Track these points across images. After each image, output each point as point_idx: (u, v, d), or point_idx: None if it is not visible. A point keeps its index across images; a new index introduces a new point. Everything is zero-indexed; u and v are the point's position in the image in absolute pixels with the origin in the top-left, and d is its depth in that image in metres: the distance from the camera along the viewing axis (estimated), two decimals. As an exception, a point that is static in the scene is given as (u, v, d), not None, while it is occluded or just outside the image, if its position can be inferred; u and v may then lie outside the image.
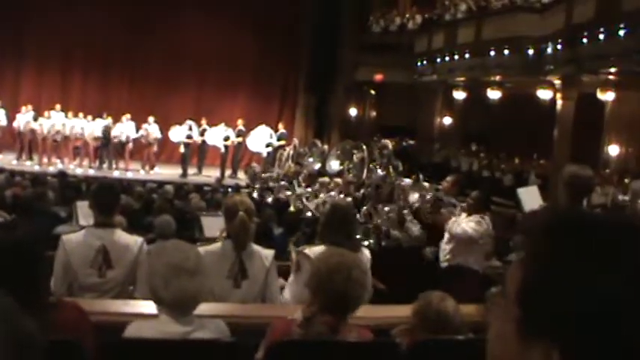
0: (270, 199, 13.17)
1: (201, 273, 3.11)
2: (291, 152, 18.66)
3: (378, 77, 24.71)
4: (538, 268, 1.00)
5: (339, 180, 12.58)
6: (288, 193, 12.44)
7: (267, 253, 4.68)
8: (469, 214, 7.54)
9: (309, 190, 11.50)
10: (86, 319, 3.22)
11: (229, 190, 16.96)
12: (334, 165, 16.14)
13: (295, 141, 21.09)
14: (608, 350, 0.93)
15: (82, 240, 4.57)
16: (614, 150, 17.17)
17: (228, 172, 22.24)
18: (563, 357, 0.95)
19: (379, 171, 15.03)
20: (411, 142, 22.86)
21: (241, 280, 4.50)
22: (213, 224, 6.47)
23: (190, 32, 24.43)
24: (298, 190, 12.03)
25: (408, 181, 9.40)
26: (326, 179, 13.21)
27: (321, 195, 11.56)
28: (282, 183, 13.33)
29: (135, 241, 4.67)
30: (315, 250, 4.61)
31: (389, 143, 16.53)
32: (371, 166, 15.37)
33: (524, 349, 0.99)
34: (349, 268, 3.25)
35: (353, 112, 26.45)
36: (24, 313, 1.16)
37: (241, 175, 21.66)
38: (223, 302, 4.38)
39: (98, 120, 21.69)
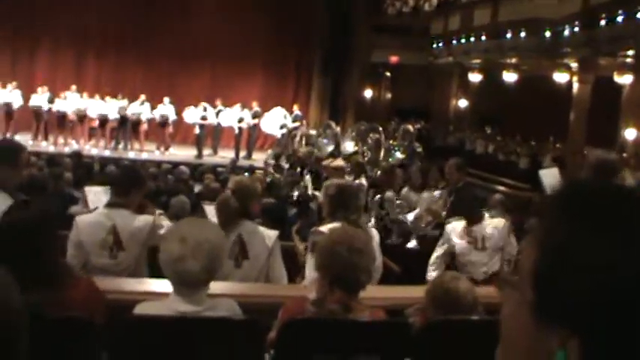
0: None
1: (205, 252, 3.05)
2: (302, 133, 18.66)
3: (394, 59, 24.61)
4: (553, 246, 0.92)
5: (339, 163, 12.47)
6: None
7: (271, 234, 4.71)
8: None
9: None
10: (99, 296, 3.22)
11: (245, 172, 16.93)
12: (349, 146, 16.14)
13: (304, 123, 21.05)
14: (632, 338, 0.87)
15: (94, 220, 4.58)
16: (631, 134, 16.99)
17: (242, 153, 22.22)
18: (582, 344, 0.89)
19: (398, 154, 15.05)
20: (425, 124, 22.77)
21: (242, 261, 4.54)
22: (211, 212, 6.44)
23: (205, 13, 24.35)
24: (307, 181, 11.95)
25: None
26: (329, 161, 13.15)
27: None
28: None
29: (145, 221, 4.62)
30: (329, 227, 4.58)
31: (411, 127, 16.56)
32: (391, 144, 15.39)
33: (539, 334, 0.93)
34: (351, 238, 3.24)
35: (368, 94, 26.37)
36: (27, 288, 1.14)
37: (256, 156, 21.64)
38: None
39: (113, 101, 21.70)
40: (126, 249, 4.52)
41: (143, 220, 4.62)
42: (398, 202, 9.67)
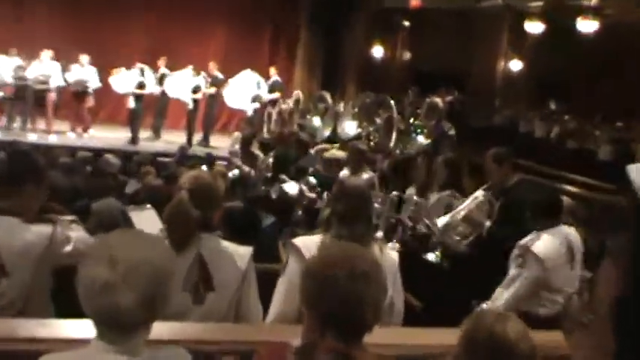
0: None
1: (144, 279, 2.99)
2: (289, 108, 18.67)
3: (415, 3, 24.62)
4: None
5: (335, 153, 12.49)
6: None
7: (242, 252, 4.65)
8: None
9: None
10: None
11: (202, 165, 16.79)
12: (349, 127, 16.16)
13: (297, 94, 21.04)
14: None
15: None
16: None
17: (197, 136, 22.19)
18: None
19: (420, 138, 15.05)
20: (460, 96, 22.80)
21: (204, 293, 4.48)
22: (147, 221, 6.41)
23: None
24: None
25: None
26: (324, 146, 13.15)
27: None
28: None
29: (39, 234, 4.53)
30: (306, 241, 4.68)
31: (439, 101, 16.57)
32: (411, 123, 15.37)
33: None
34: (354, 260, 3.21)
35: (377, 52, 26.38)
36: None
37: (217, 142, 21.59)
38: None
39: (4, 58, 21.41)
40: (10, 274, 4.44)
41: (36, 232, 4.53)
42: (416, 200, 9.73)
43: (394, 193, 9.97)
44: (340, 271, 3.13)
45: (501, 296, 6.74)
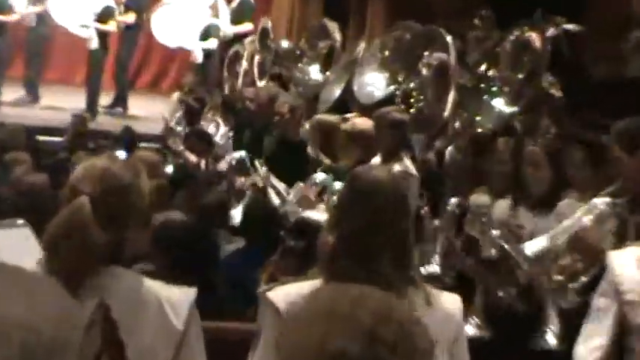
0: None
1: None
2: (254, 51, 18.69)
3: None
4: None
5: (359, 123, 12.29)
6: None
7: (179, 301, 4.73)
8: None
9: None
10: None
11: (121, 150, 16.62)
12: (373, 82, 15.85)
13: (264, 22, 20.86)
14: None
15: None
16: None
17: (107, 98, 22.19)
18: None
19: (498, 103, 14.71)
20: (571, 29, 22.63)
21: None
22: (16, 247, 6.32)
23: None
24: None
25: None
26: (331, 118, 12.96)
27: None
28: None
29: None
30: (290, 293, 4.78)
31: (534, 38, 16.29)
32: (482, 75, 15.10)
33: None
34: (373, 314, 2.79)
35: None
36: None
37: (139, 109, 21.48)
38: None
39: None
40: None
41: None
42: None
43: (453, 200, 9.85)
44: (349, 332, 2.73)
45: None
